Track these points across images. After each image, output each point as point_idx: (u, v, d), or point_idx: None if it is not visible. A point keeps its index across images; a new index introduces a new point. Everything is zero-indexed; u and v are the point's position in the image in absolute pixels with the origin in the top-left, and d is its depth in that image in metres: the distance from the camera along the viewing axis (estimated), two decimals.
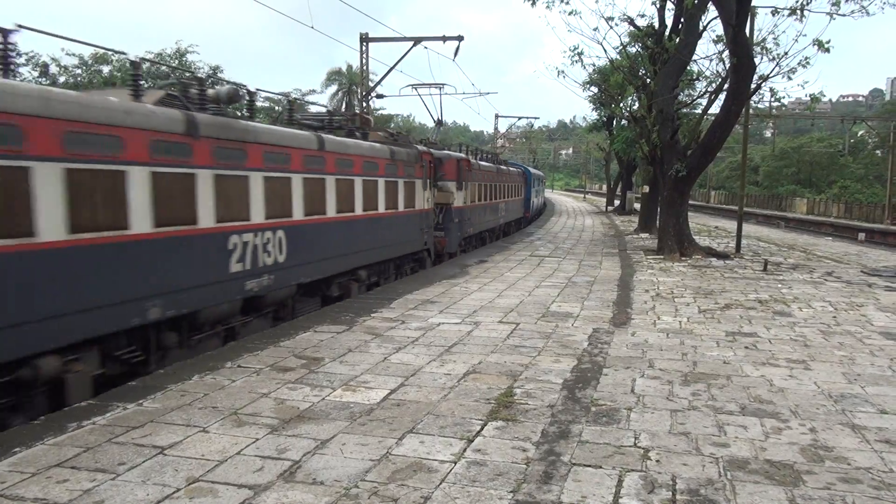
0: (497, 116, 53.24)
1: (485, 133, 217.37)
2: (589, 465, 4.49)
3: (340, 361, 6.95)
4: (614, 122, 39.08)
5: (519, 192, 30.71)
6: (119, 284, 6.42)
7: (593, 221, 34.62)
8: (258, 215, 8.49)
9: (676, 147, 17.77)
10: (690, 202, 37.71)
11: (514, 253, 18.67)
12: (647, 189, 27.59)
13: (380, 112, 68.54)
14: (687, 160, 17.35)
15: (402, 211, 13.57)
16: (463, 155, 20.01)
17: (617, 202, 47.37)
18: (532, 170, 39.70)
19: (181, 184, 7.17)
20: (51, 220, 5.74)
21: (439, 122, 23.86)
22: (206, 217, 7.53)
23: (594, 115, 41.39)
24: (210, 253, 7.64)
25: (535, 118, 61.65)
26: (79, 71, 39.53)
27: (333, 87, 55.24)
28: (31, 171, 5.59)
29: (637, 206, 38.00)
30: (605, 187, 73.89)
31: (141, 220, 6.65)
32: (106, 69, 39.76)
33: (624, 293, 11.65)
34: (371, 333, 8.24)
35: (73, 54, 39.06)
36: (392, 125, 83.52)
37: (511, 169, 29.27)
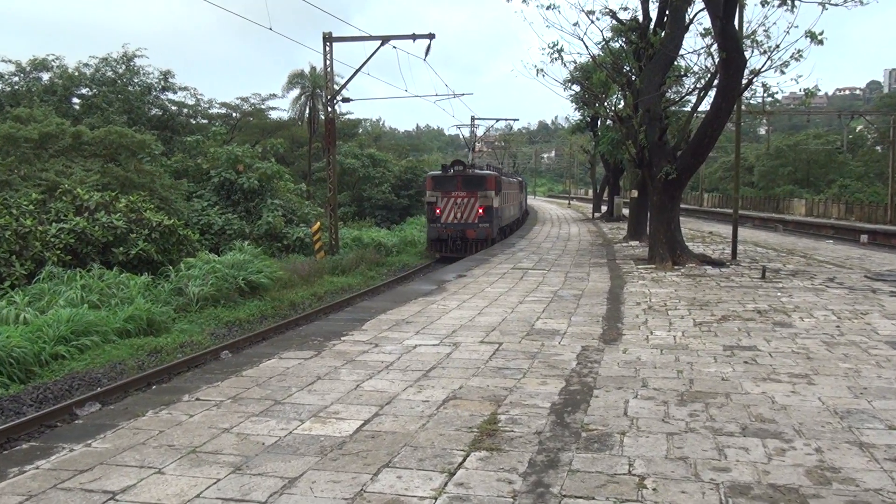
0: (473, 119, 53.47)
1: (461, 137, 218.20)
2: (580, 497, 4.49)
3: (309, 390, 6.89)
4: (599, 123, 39.51)
5: (518, 197, 40.87)
6: None
7: (579, 230, 34.86)
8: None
9: (665, 148, 17.98)
10: (682, 206, 38.01)
11: (495, 266, 18.70)
12: (635, 193, 27.86)
13: (346, 117, 68.79)
14: (677, 162, 17.56)
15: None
16: (495, 172, 30.92)
17: (604, 208, 47.77)
18: (510, 178, 40.73)
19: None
20: None
21: (472, 148, 39.28)
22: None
23: (577, 116, 41.89)
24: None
25: (514, 120, 62.18)
26: (16, 79, 38.97)
27: (296, 91, 55.16)
28: None
29: (626, 211, 38.37)
30: (590, 192, 74.55)
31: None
32: (46, 76, 39.26)
33: (614, 307, 11.73)
34: (342, 359, 8.19)
35: (9, 61, 38.56)
36: (360, 130, 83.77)
37: (513, 179, 37.80)
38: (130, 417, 6.16)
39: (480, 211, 27.98)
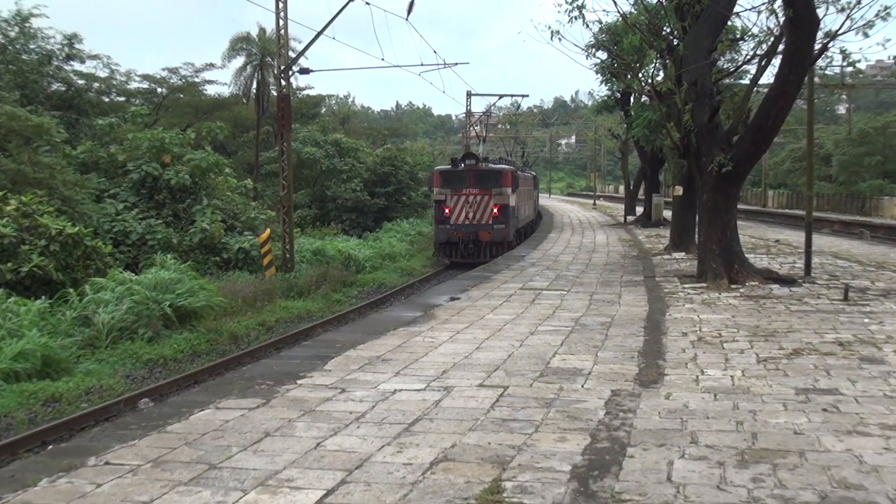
0: (469, 95, 53.79)
1: (453, 118, 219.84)
2: None
3: (254, 451, 6.83)
4: (631, 100, 39.64)
5: (532, 195, 44.30)
6: None
7: (608, 238, 34.98)
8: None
9: (717, 132, 18.06)
10: (740, 207, 38.21)
11: (499, 285, 18.69)
12: (679, 191, 27.95)
13: (306, 93, 68.96)
14: (732, 149, 17.64)
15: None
16: (511, 167, 34.57)
17: (640, 210, 47.94)
18: (524, 173, 41.79)
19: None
20: None
21: (484, 140, 43.67)
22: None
23: (603, 91, 42.14)
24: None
25: (523, 96, 61.95)
26: None
27: (240, 60, 55.27)
28: None
29: (667, 214, 38.48)
30: (622, 189, 74.70)
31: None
32: None
33: (653, 338, 11.73)
34: (298, 408, 8.13)
35: None
36: (323, 109, 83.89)
37: (528, 174, 42.50)
38: (18, 489, 6.07)
39: (495, 210, 31.59)
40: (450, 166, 32.77)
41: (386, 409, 8.04)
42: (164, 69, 54.86)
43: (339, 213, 48.39)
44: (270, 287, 22.62)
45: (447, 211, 31.65)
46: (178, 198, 27.69)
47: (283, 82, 27.06)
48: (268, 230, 25.82)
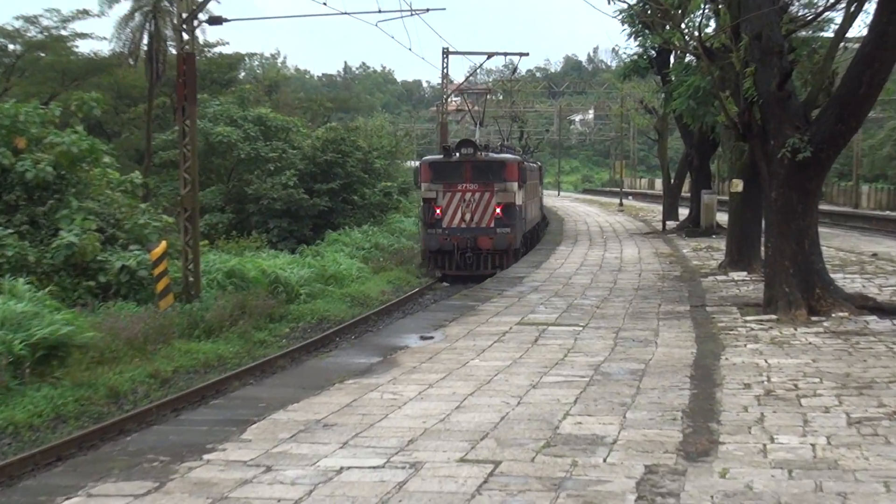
0: (447, 53, 53.82)
1: (424, 85, 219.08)
2: None
3: None
4: (671, 60, 39.85)
5: (538, 192, 48.71)
6: None
7: (640, 251, 35.17)
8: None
9: (791, 104, 18.12)
10: (823, 208, 38.39)
11: (488, 319, 18.68)
12: (738, 186, 28.00)
13: (218, 50, 68.95)
14: (811, 128, 17.70)
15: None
16: (516, 157, 37.96)
17: (685, 212, 48.09)
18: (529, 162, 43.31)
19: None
20: None
21: (481, 123, 46.47)
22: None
23: (633, 48, 42.31)
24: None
25: (521, 56, 61.75)
26: None
27: (125, 5, 55.05)
28: None
29: (722, 218, 38.54)
30: (658, 184, 74.88)
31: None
32: None
33: (703, 392, 11.76)
34: (204, 495, 8.07)
35: None
36: (242, 74, 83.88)
37: (533, 164, 46.40)
38: None
39: (498, 211, 33.70)
40: (441, 156, 34.95)
41: (328, 496, 7.97)
42: (16, 18, 54.68)
43: (265, 218, 48.25)
44: (167, 323, 22.44)
45: (438, 212, 33.57)
46: (36, 198, 27.43)
47: (186, 35, 26.97)
48: (163, 243, 25.66)
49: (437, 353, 14.99)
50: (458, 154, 34.34)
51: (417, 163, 41.25)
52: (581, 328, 17.29)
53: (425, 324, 18.50)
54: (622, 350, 14.94)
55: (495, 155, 36.05)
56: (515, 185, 34.22)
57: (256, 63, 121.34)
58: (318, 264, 33.91)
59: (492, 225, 33.52)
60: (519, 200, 34.71)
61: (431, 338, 16.52)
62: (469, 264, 33.35)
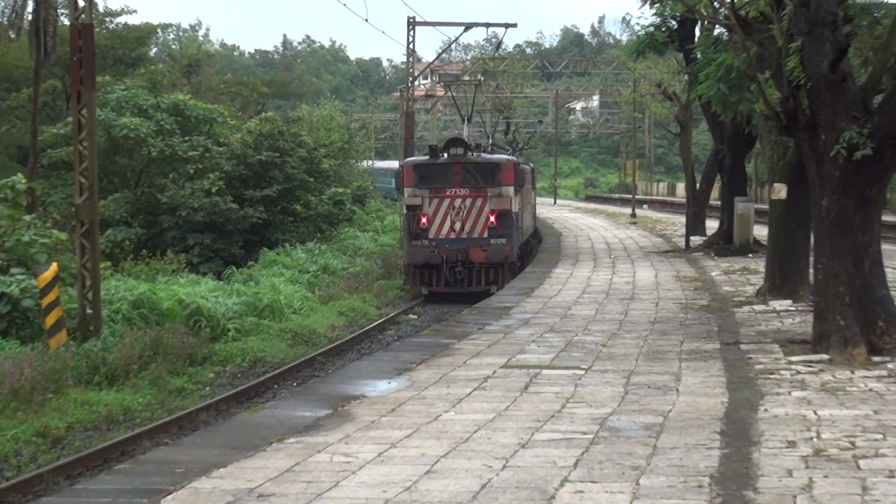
0: (413, 24, 53.85)
1: (385, 63, 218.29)
2: None
3: None
4: (697, 33, 40.03)
5: (531, 198, 53.62)
6: None
7: (657, 274, 35.28)
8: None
9: (847, 88, 18.12)
10: (885, 219, 38.24)
11: (465, 360, 18.68)
12: (781, 192, 28.10)
13: (123, 20, 68.70)
14: (873, 119, 17.72)
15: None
16: (511, 157, 40.87)
17: (714, 224, 48.16)
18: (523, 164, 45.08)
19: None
20: None
21: (468, 120, 50.26)
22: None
23: (648, 17, 42.39)
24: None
25: (508, 27, 61.51)
26: None
27: None
28: None
29: (760, 232, 38.59)
30: (680, 189, 74.80)
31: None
32: None
33: (737, 452, 11.77)
34: None
35: None
36: (154, 50, 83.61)
37: (526, 166, 49.60)
38: None
39: (492, 219, 35.78)
40: (427, 157, 37.06)
41: None
42: None
43: (183, 233, 47.99)
44: (59, 366, 22.31)
45: (424, 221, 35.40)
46: None
47: (81, 1, 26.96)
48: (54, 266, 25.59)
49: (401, 403, 14.94)
50: (446, 155, 36.00)
51: (376, 163, 42.25)
52: (583, 372, 17.23)
53: (387, 367, 18.44)
54: (635, 399, 14.91)
55: (489, 156, 38.06)
56: (511, 189, 36.09)
57: (172, 37, 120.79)
58: (251, 292, 33.82)
59: (485, 235, 35.33)
60: (515, 207, 36.60)
61: (394, 384, 16.50)
62: (459, 280, 35.05)
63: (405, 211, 36.67)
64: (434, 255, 35.11)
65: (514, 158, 40.52)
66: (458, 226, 35.22)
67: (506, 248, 35.46)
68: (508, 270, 35.43)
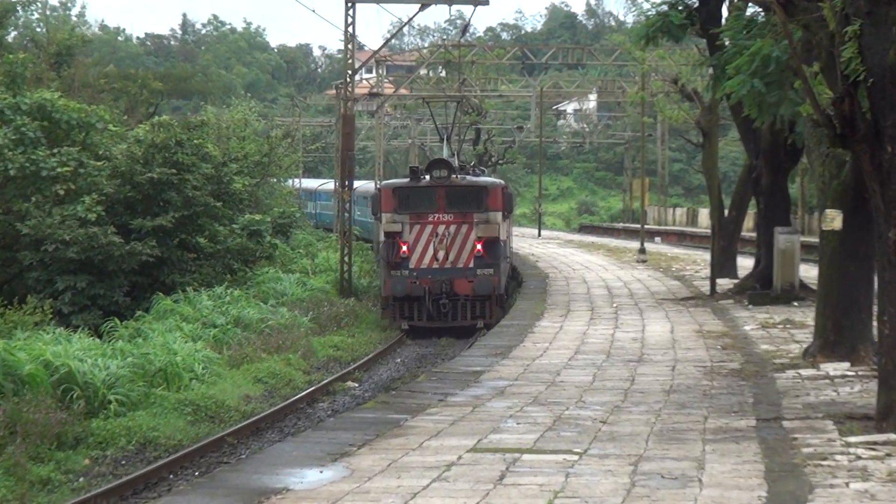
0: (353, 2, 54.14)
1: (316, 52, 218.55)
2: None
3: None
4: (724, 13, 40.34)
5: (510, 228, 56.00)
6: None
7: (674, 329, 35.39)
8: None
9: None
10: None
11: (422, 441, 18.68)
12: (836, 221, 28.23)
13: None
14: None
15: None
16: (498, 181, 45.70)
17: (748, 263, 48.35)
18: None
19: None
20: None
21: (448, 139, 54.83)
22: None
23: None
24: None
25: (478, 4, 61.66)
26: None
27: None
28: None
29: (809, 272, 38.73)
30: (703, 217, 75.17)
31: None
32: None
33: None
34: None
35: None
36: (14, 34, 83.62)
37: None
38: None
39: (479, 247, 39.53)
40: (407, 180, 40.67)
41: None
42: None
43: (49, 274, 47.93)
44: None
45: (405, 249, 38.93)
46: None
47: None
48: None
49: (337, 499, 14.83)
50: (428, 177, 39.40)
51: (308, 182, 43.86)
52: (576, 457, 17.15)
53: (318, 450, 18.34)
54: (644, 494, 14.80)
55: (474, 178, 41.80)
56: (500, 215, 39.79)
57: (36, 17, 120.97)
58: (140, 352, 33.80)
59: (471, 265, 38.97)
60: (503, 235, 40.06)
61: (328, 475, 16.44)
62: (444, 314, 38.23)
63: (383, 238, 39.41)
64: (416, 286, 38.08)
65: (501, 182, 43.81)
66: (441, 254, 38.44)
67: (494, 278, 38.51)
68: (496, 303, 38.24)
